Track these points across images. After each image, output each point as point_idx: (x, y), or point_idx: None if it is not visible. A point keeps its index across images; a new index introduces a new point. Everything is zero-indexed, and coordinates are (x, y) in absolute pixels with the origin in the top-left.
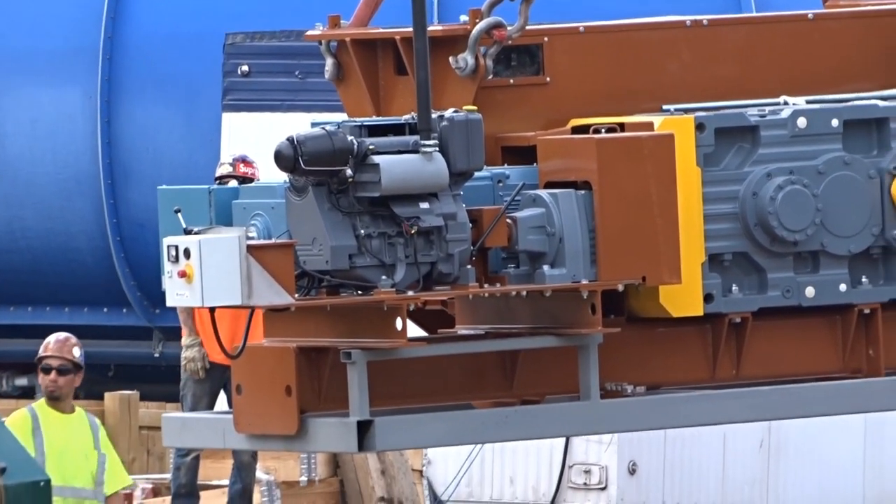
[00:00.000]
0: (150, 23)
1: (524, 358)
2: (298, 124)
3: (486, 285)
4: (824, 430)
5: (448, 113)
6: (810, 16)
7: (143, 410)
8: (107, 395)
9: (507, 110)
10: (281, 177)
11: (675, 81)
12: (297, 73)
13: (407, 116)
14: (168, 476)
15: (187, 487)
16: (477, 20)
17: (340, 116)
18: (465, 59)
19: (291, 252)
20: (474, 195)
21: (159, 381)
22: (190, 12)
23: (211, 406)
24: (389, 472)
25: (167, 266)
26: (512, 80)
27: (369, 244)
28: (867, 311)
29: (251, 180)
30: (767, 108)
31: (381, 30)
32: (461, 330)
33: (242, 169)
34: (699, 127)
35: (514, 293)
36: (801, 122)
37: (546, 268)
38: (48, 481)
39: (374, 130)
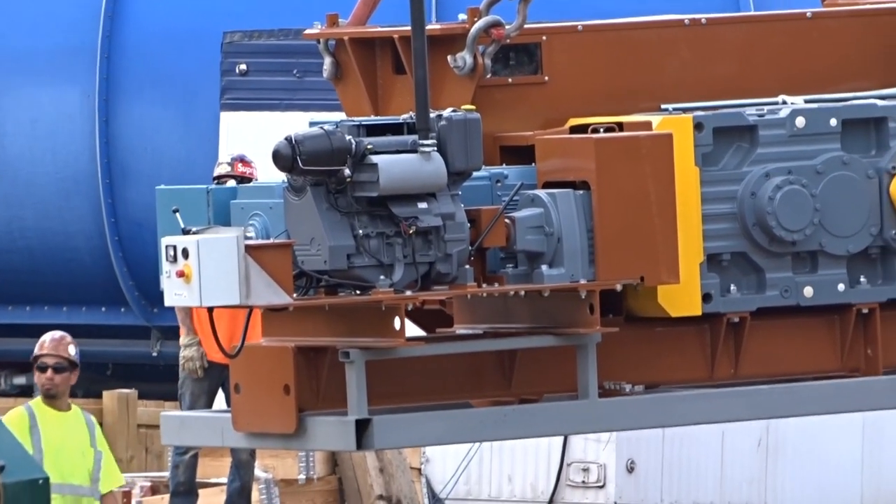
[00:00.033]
0: (149, 22)
1: (522, 357)
2: (296, 123)
3: (484, 285)
4: (822, 429)
5: (446, 112)
6: (809, 15)
7: (141, 409)
8: (105, 393)
9: (505, 109)
10: (279, 176)
11: (673, 81)
12: (295, 72)
13: (405, 116)
14: (166, 474)
15: (186, 485)
16: (475, 19)
17: (339, 116)
18: (464, 58)
19: (290, 252)
20: (473, 195)
21: (157, 380)
22: (188, 11)
23: (209, 405)
24: (388, 470)
25: (165, 266)
26: (510, 80)
27: (367, 244)
28: (865, 310)
29: (249, 180)
30: (766, 108)
31: (380, 29)
32: (459, 329)
33: (241, 168)
34: (698, 126)
35: (512, 293)
36: (800, 121)
37: (544, 267)
38: (47, 479)
39: (373, 130)
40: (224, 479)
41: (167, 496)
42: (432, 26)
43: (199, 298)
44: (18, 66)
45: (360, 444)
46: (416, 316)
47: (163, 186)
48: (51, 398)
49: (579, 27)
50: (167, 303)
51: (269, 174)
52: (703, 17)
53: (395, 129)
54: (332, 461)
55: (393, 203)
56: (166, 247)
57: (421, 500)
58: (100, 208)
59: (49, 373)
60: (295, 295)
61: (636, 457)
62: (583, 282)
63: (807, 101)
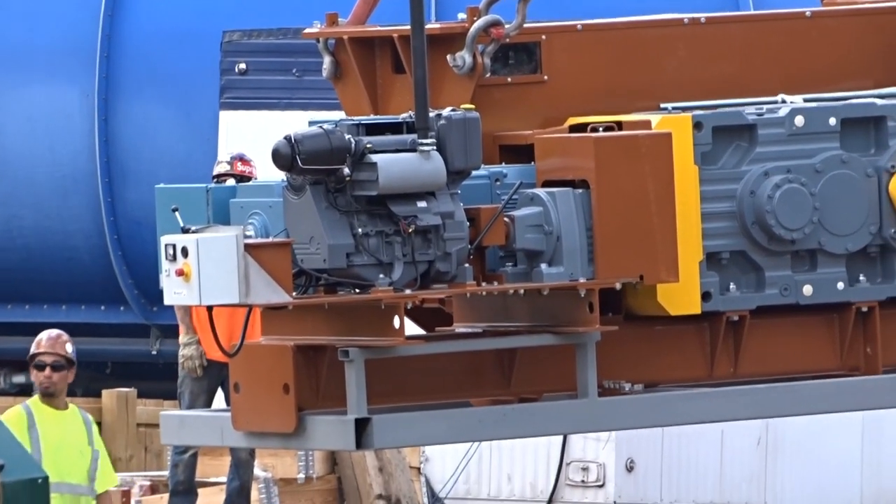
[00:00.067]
0: (148, 21)
1: (522, 356)
2: (296, 122)
3: (483, 284)
4: (822, 428)
5: (446, 111)
6: (808, 14)
7: (140, 408)
8: (104, 392)
9: (504, 108)
10: (278, 175)
11: (672, 79)
12: (294, 71)
13: (405, 115)
14: (166, 473)
15: (185, 484)
16: (475, 18)
17: (338, 115)
18: (463, 57)
19: (289, 251)
20: (472, 194)
21: (157, 379)
22: (187, 10)
23: (208, 404)
24: (387, 469)
25: (165, 265)
26: (510, 79)
27: (367, 243)
28: (865, 309)
29: (249, 179)
30: (765, 107)
31: (379, 28)
32: (459, 328)
33: (240, 167)
34: (697, 125)
35: (511, 291)
36: (799, 120)
37: (544, 266)
38: (46, 478)
39: (372, 129)
40: (223, 479)
41: (166, 495)
42: (432, 25)
43: (198, 297)
44: (18, 64)
45: (360, 443)
46: (416, 315)
47: (162, 185)
48: (49, 397)
49: (579, 26)
50: (166, 301)
51: (268, 173)
52: (702, 16)
53: (395, 128)
54: (332, 460)
55: (392, 202)
56: (166, 245)
57: (420, 500)
58: (99, 207)
59: (47, 371)
60: (294, 294)
61: (635, 456)
62: (582, 280)
63: (806, 100)
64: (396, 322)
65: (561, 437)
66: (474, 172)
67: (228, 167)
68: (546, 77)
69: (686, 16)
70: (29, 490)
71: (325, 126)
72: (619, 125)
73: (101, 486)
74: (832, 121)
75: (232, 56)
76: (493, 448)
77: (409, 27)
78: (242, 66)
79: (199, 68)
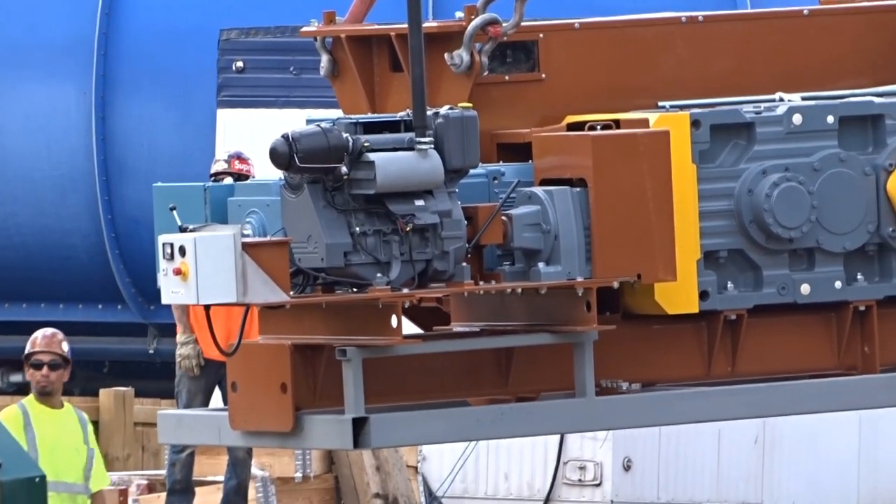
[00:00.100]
0: (145, 19)
1: (519, 355)
2: (293, 121)
3: (481, 282)
4: (819, 427)
5: (443, 110)
6: (806, 12)
7: (137, 407)
8: (101, 391)
9: (502, 107)
10: (276, 174)
11: (670, 78)
12: (291, 69)
13: (402, 113)
14: (163, 472)
15: (182, 483)
16: (472, 17)
17: (336, 113)
18: (461, 55)
19: (287, 249)
20: (469, 192)
21: (154, 378)
22: (184, 8)
23: (206, 403)
24: (384, 468)
25: (162, 264)
26: (507, 77)
27: (364, 241)
28: (862, 308)
29: (246, 177)
30: (763, 105)
31: (377, 26)
32: (456, 327)
33: (237, 166)
34: (695, 124)
35: (509, 290)
36: (797, 118)
37: (541, 265)
38: (43, 477)
39: (370, 127)
40: (221, 477)
41: (164, 494)
42: (429, 24)
43: (195, 296)
44: (15, 62)
45: (357, 442)
46: (413, 313)
47: (160, 184)
48: (46, 396)
49: (576, 25)
50: (164, 301)
51: (265, 171)
52: (700, 14)
53: (392, 126)
54: (329, 459)
55: (390, 200)
56: (163, 244)
57: (417, 499)
58: (96, 205)
59: (45, 370)
60: (292, 293)
61: (633, 455)
62: (580, 279)
63: (804, 99)
64: (394, 321)
65: (558, 436)
66: (472, 171)
67: (226, 165)
68: (544, 75)
69: (684, 14)
70: (26, 489)
71: (323, 124)
72: (617, 123)
73: (95, 486)
74: (830, 119)
75: (229, 54)
76: (491, 447)
77: (406, 25)
78: (240, 64)
79: (197, 66)
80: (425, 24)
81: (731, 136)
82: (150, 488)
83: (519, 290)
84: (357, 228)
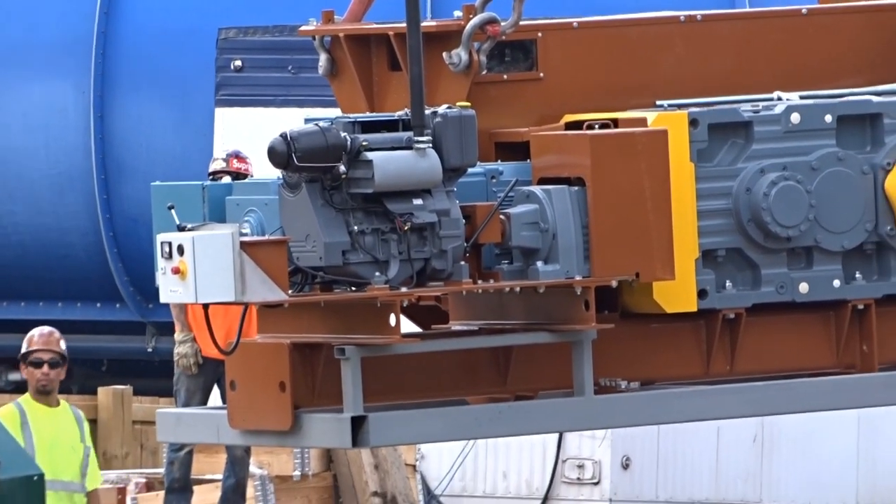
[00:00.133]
0: (144, 18)
1: (518, 354)
2: (292, 120)
3: (479, 281)
4: (818, 425)
5: (442, 109)
6: (804, 11)
7: (136, 405)
8: (100, 389)
9: (500, 106)
10: (274, 173)
11: (668, 77)
12: (290, 68)
13: (400, 112)
14: (161, 470)
15: (181, 482)
16: (470, 16)
17: (334, 112)
18: (459, 54)
19: (285, 248)
20: (468, 191)
21: (152, 376)
22: (183, 7)
23: (204, 401)
24: (383, 466)
25: (161, 262)
26: (505, 76)
27: (363, 240)
28: (861, 306)
29: (244, 176)
30: (761, 104)
31: (375, 25)
32: (455, 326)
33: (236, 164)
34: (693, 123)
35: (507, 289)
36: (795, 117)
37: (539, 264)
38: (41, 476)
39: (368, 127)
40: (219, 476)
41: (162, 493)
42: (427, 23)
43: (194, 295)
44: (13, 61)
45: (356, 441)
46: (412, 312)
47: (158, 183)
48: (44, 394)
49: (575, 24)
50: (162, 300)
51: (264, 170)
52: (698, 13)
53: (391, 125)
54: (327, 458)
55: (388, 199)
56: (161, 243)
57: (416, 497)
58: (94, 204)
59: (45, 368)
60: (290, 291)
61: (631, 453)
62: (578, 278)
63: (802, 98)
64: (392, 320)
65: (556, 435)
66: (470, 170)
67: (224, 164)
68: (542, 74)
69: (682, 13)
70: (24, 488)
71: (321, 123)
72: (615, 123)
73: (91, 485)
74: (828, 118)
75: (228, 53)
76: (489, 445)
77: (404, 25)
78: (238, 63)
79: (195, 65)
80: (424, 24)
81: (730, 135)
82: (149, 487)
83: (517, 289)
84: (355, 227)
